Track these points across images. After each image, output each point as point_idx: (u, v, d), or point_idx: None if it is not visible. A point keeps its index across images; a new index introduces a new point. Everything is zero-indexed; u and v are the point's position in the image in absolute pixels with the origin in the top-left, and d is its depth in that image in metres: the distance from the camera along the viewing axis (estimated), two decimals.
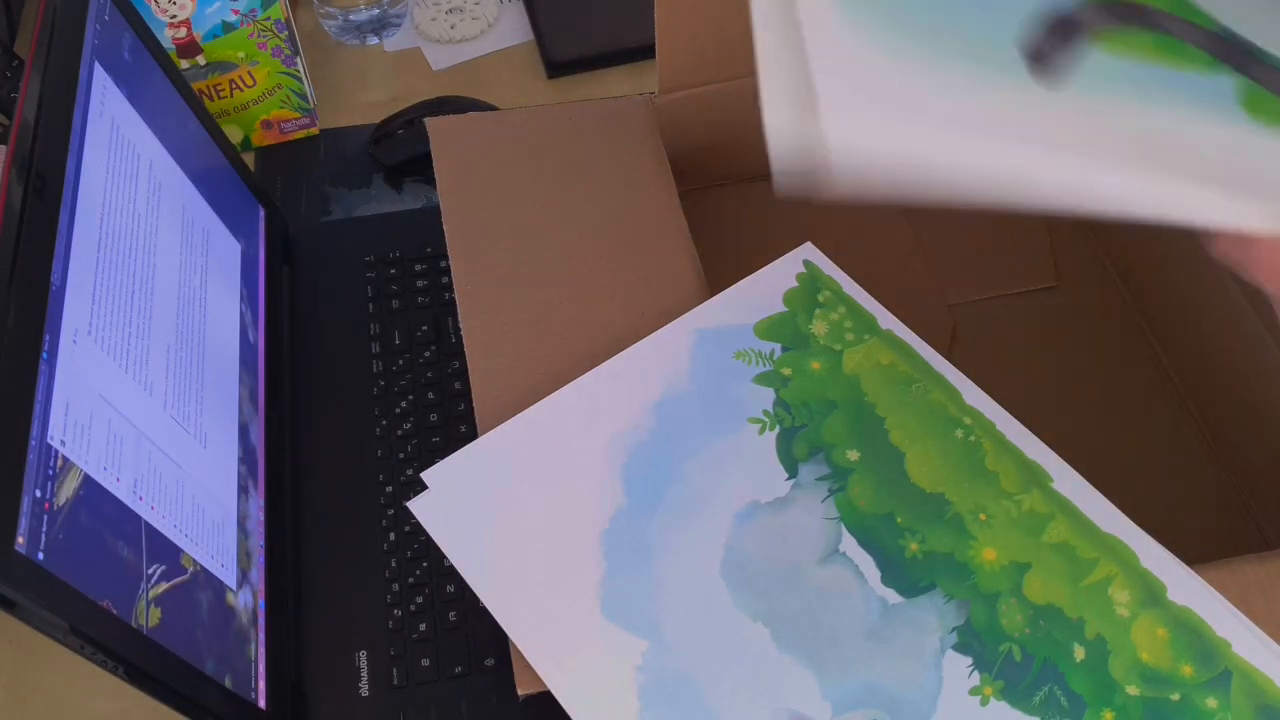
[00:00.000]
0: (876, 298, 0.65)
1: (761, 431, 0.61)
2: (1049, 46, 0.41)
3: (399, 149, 0.86)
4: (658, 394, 0.62)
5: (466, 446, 0.60)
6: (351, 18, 0.93)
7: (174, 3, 0.77)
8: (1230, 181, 0.41)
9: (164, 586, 0.52)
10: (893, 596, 0.54)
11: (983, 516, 0.56)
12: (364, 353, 0.76)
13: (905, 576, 0.55)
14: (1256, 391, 0.65)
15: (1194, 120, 0.41)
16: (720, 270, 0.65)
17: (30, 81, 0.52)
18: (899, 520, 0.57)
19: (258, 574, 0.63)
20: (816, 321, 0.65)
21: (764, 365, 0.63)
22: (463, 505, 0.58)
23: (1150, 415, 0.72)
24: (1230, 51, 0.43)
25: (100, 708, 0.63)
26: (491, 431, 0.61)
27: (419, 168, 0.85)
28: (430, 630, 0.65)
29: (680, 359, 0.63)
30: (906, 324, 0.64)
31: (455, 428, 0.71)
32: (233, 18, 0.79)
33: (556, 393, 0.62)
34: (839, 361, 0.63)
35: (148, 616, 0.49)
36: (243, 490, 0.63)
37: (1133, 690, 0.52)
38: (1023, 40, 0.40)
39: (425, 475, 0.59)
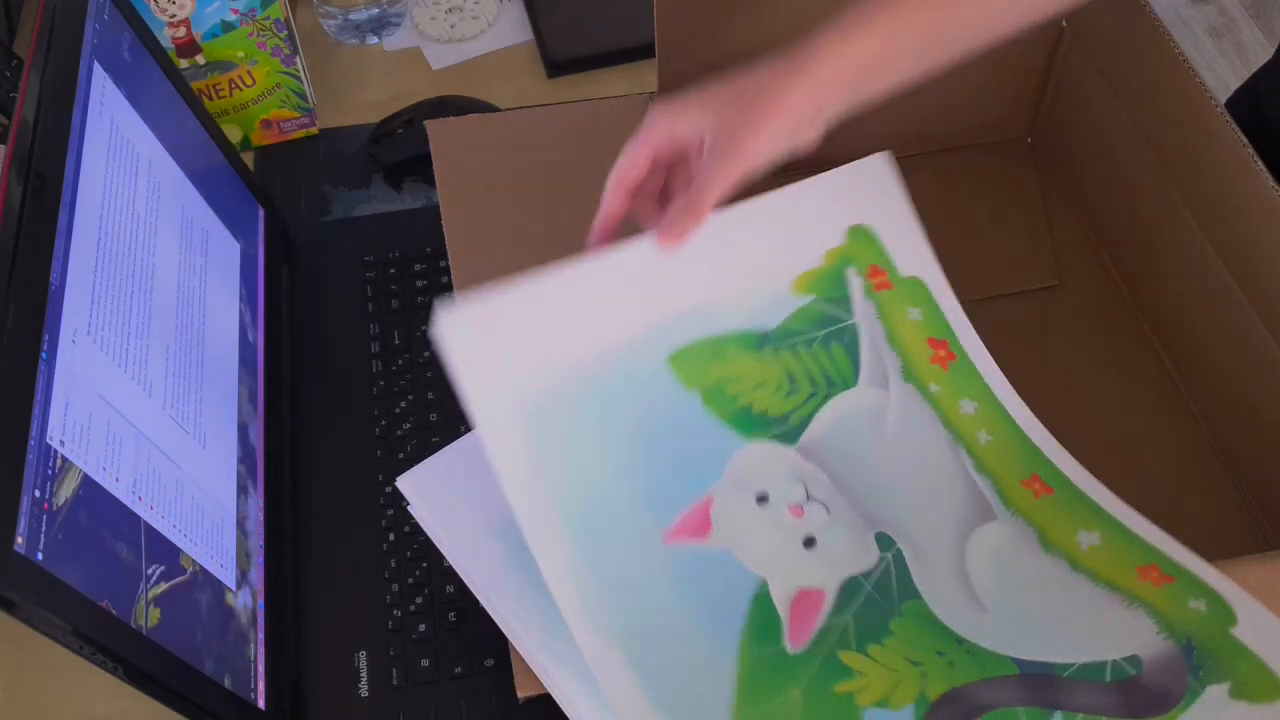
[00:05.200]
0: None
1: None
2: None
3: (398, 148, 0.86)
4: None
5: (457, 440, 0.60)
6: (351, 17, 0.93)
7: (173, 2, 0.77)
8: None
9: (163, 587, 0.51)
10: None
11: None
12: (364, 353, 0.76)
13: None
14: (1257, 392, 0.65)
15: None
16: None
17: (29, 81, 0.52)
18: None
19: (257, 574, 0.62)
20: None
21: None
22: (460, 504, 0.58)
23: (1151, 415, 0.72)
24: (1042, 686, 0.51)
25: (99, 708, 0.62)
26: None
27: (419, 167, 0.85)
28: (430, 630, 0.65)
29: None
30: None
31: (455, 428, 0.71)
32: (232, 17, 0.79)
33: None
34: None
35: (147, 617, 0.49)
36: (242, 490, 0.63)
37: None
38: None
39: (413, 471, 0.59)
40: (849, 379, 0.58)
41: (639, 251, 0.54)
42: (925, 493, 0.57)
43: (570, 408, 0.53)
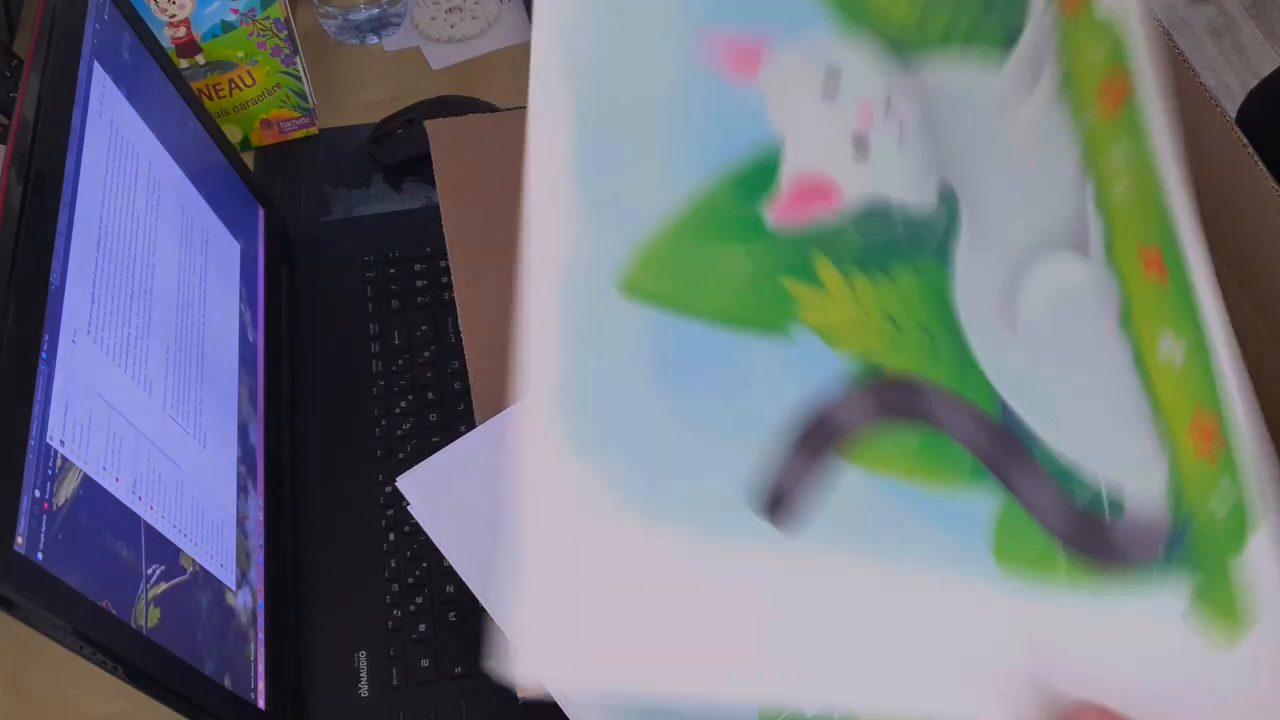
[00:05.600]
0: None
1: None
2: (794, 473, 0.38)
3: (398, 148, 0.86)
4: None
5: (457, 440, 0.60)
6: (351, 17, 0.93)
7: (173, 2, 0.77)
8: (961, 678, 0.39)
9: (163, 587, 0.51)
10: None
11: None
12: (364, 353, 0.76)
13: None
14: (1258, 391, 0.65)
15: (938, 582, 0.39)
16: None
17: (29, 81, 0.52)
18: None
19: (257, 574, 0.62)
20: None
21: None
22: (460, 504, 0.58)
23: None
24: (1002, 451, 0.41)
25: (100, 708, 0.63)
26: (489, 421, 0.61)
27: (419, 167, 0.85)
28: (430, 631, 0.65)
29: None
30: None
31: (455, 428, 0.71)
32: (232, 17, 0.79)
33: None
34: None
35: (147, 617, 0.49)
36: (242, 490, 0.63)
37: None
38: (767, 469, 0.38)
39: (412, 472, 0.59)
40: (995, 46, 0.47)
41: None
42: (1024, 189, 0.46)
43: None
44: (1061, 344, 0.44)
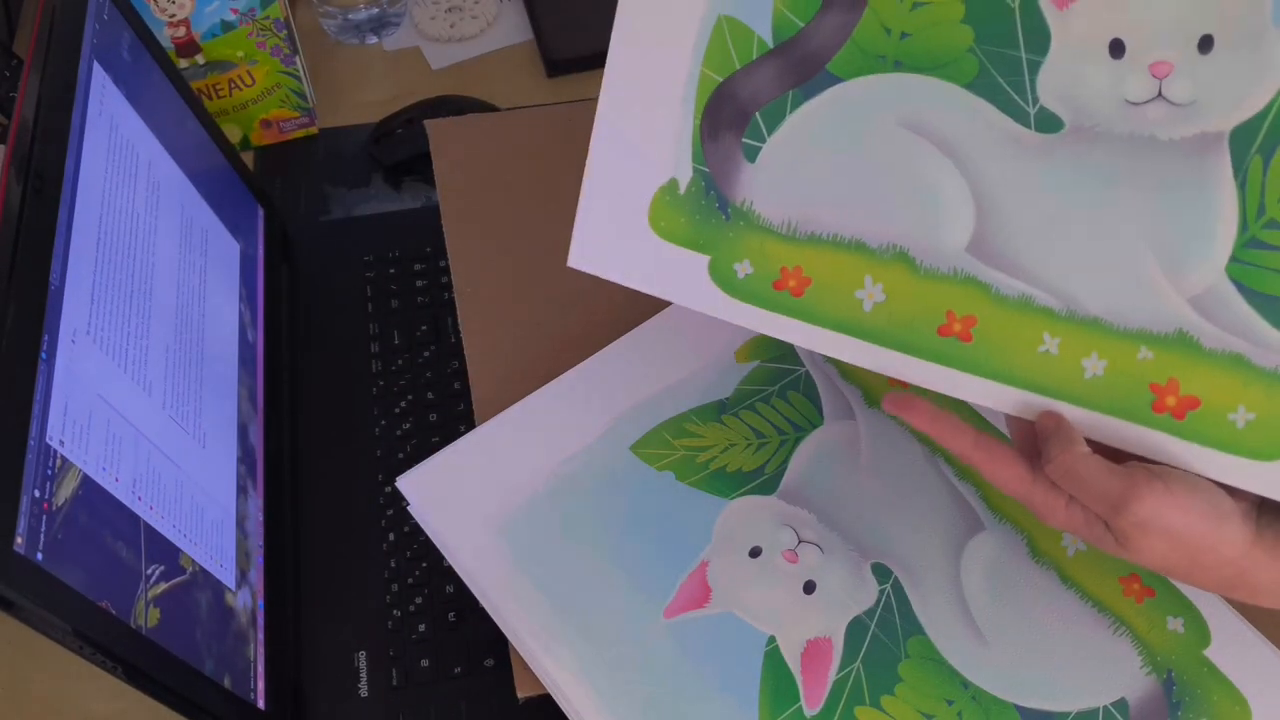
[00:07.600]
0: None
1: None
2: None
3: (398, 148, 0.86)
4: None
5: (457, 440, 0.60)
6: (350, 17, 0.93)
7: (173, 2, 0.77)
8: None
9: (163, 587, 0.51)
10: None
11: None
12: (363, 352, 0.76)
13: None
14: None
15: None
16: None
17: (29, 81, 0.52)
18: None
19: (257, 574, 0.62)
20: None
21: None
22: (460, 504, 0.58)
23: None
24: None
25: (99, 708, 0.62)
26: (489, 421, 0.61)
27: (418, 167, 0.85)
28: (429, 631, 0.65)
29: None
30: None
31: (454, 428, 0.71)
32: (232, 17, 0.79)
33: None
34: None
35: (146, 617, 0.49)
36: (242, 490, 0.63)
37: None
38: None
39: (412, 472, 0.59)
40: (814, 419, 0.61)
41: (588, 370, 0.61)
42: (912, 511, 0.58)
43: (545, 520, 0.57)
44: (1015, 617, 0.54)
